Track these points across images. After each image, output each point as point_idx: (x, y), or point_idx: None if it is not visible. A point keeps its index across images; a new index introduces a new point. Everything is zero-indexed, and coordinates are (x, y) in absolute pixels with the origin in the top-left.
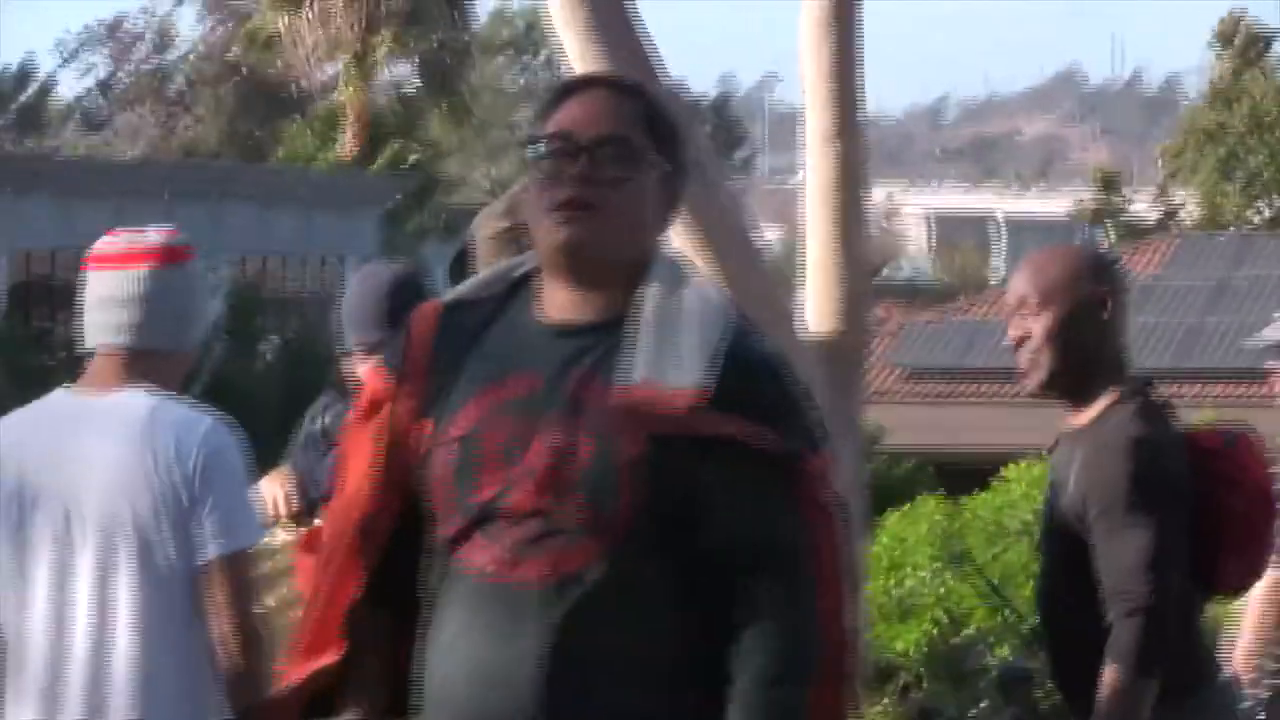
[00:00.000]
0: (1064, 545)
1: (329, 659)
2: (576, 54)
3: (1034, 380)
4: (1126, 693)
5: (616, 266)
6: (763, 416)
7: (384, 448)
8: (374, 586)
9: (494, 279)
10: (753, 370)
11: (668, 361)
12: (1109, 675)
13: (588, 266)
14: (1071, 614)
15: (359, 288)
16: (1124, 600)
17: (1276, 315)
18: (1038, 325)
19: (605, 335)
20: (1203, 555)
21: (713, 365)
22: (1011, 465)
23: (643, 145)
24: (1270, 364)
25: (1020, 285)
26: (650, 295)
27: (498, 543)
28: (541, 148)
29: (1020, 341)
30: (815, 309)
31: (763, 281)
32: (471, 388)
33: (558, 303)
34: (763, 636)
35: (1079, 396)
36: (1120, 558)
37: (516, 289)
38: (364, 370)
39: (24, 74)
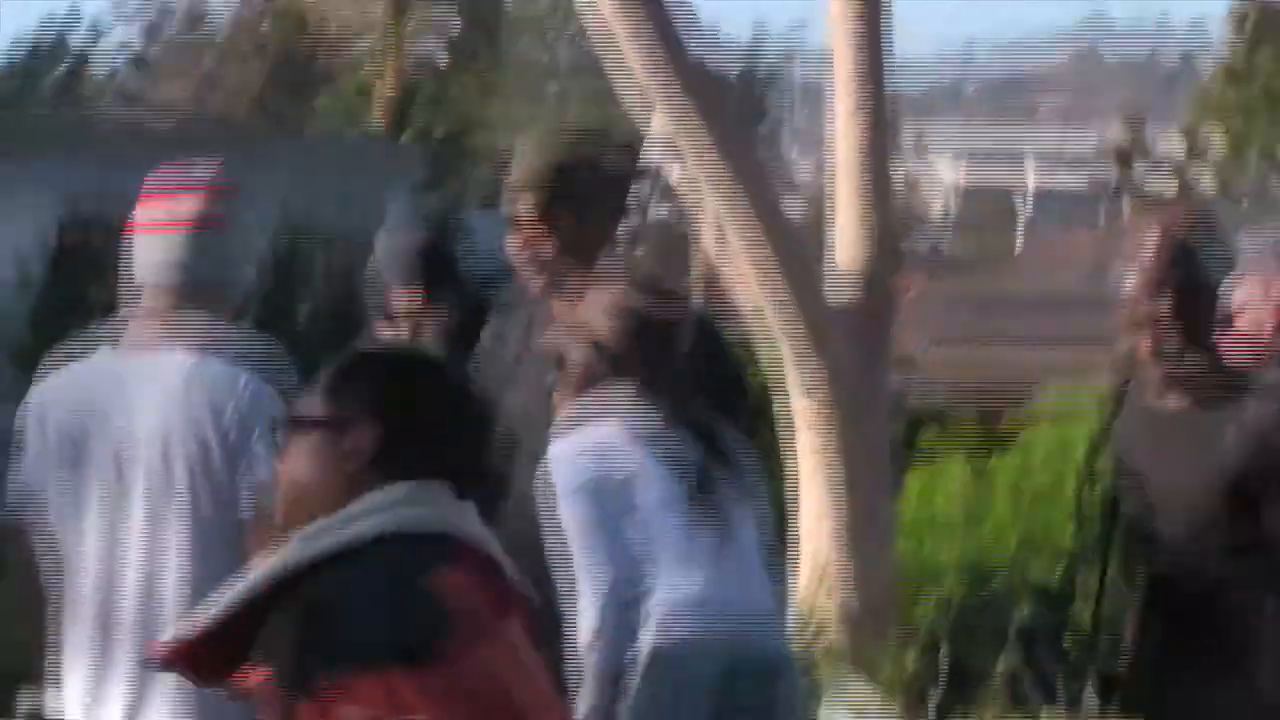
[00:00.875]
0: (1215, 504)
1: None
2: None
3: (1176, 376)
4: None
5: None
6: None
7: None
8: None
9: None
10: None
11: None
12: None
13: None
14: (1207, 572)
15: (386, 244)
16: None
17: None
18: (1179, 332)
19: None
20: None
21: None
22: (1030, 429)
23: None
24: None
25: (1154, 281)
26: None
27: None
28: None
29: (1158, 344)
30: (842, 277)
31: (792, 250)
32: None
33: None
34: None
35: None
36: None
37: None
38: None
39: (58, 48)
